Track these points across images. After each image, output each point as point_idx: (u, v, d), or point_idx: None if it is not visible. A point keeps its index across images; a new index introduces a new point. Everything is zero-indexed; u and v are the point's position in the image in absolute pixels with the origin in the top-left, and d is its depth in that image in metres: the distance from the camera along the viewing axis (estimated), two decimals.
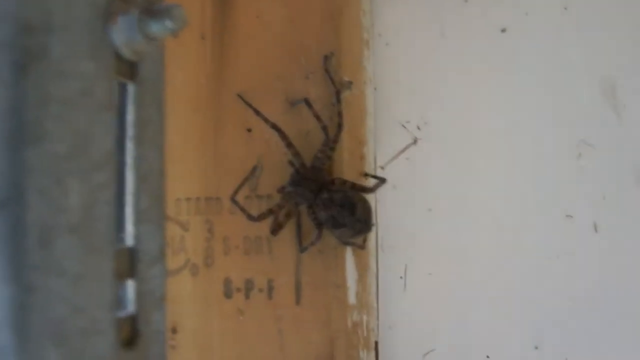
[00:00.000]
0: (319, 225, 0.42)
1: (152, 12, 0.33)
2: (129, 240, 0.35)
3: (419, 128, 0.50)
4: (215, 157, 0.48)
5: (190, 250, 0.48)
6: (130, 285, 0.35)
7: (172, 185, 0.51)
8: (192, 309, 0.48)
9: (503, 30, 0.49)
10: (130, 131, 0.35)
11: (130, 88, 0.35)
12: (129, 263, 0.35)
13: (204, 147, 0.48)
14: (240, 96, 0.46)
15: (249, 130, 0.47)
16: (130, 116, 0.35)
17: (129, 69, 0.36)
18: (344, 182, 0.42)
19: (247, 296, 0.46)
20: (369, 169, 0.49)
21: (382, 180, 0.43)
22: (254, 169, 0.46)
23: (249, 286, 0.46)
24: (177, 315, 0.49)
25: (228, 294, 0.47)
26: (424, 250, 0.50)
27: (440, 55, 0.50)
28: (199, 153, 0.48)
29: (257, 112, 0.43)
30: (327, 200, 0.41)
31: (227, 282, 0.47)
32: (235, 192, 0.45)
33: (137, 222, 0.36)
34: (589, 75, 0.47)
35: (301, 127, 0.45)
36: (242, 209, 0.43)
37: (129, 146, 0.35)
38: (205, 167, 0.48)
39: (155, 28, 0.32)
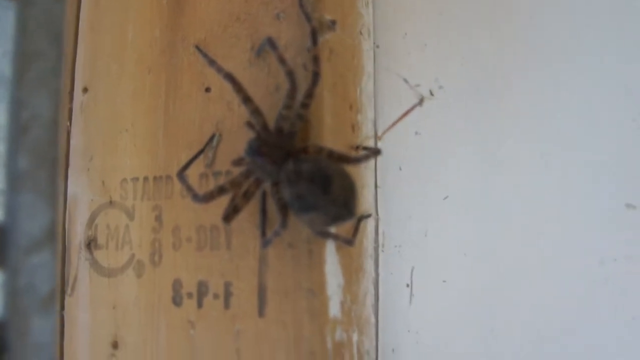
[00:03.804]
0: (284, 208, 0.30)
1: None
2: None
3: (432, 93, 0.39)
4: (166, 126, 0.37)
5: (136, 243, 0.38)
6: None
7: (118, 163, 0.40)
8: (137, 319, 0.38)
9: None
10: (9, 80, 0.26)
11: (12, 19, 0.26)
12: None
13: (154, 114, 0.38)
14: (197, 47, 0.36)
15: (207, 89, 0.36)
16: (10, 60, 0.26)
17: None
18: (320, 149, 0.31)
19: (199, 304, 0.35)
20: (367, 139, 0.38)
21: (374, 152, 0.32)
22: (211, 138, 0.35)
23: (202, 291, 0.35)
24: (119, 326, 0.38)
25: (177, 301, 0.36)
26: (438, 251, 0.38)
27: (459, 1, 0.39)
28: (148, 121, 0.38)
29: (211, 62, 0.33)
30: (292, 173, 0.30)
31: (176, 285, 0.36)
32: (185, 167, 0.34)
33: (11, 190, 0.26)
34: None
35: (269, 82, 0.34)
36: (188, 187, 0.33)
37: (7, 101, 0.26)
38: (155, 139, 0.38)
39: None
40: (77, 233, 0.40)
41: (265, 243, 0.32)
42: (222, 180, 0.35)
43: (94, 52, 0.41)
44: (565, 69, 0.36)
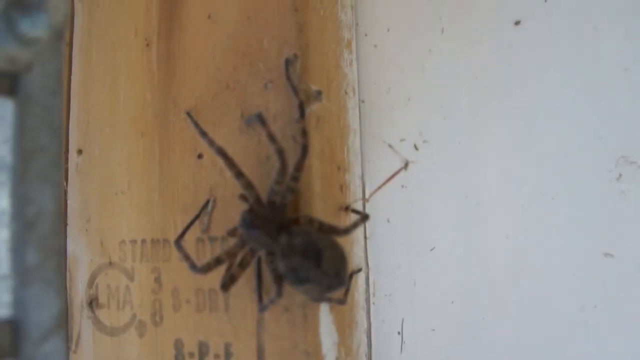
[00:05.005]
0: (278, 278, 0.32)
1: (23, 3, 0.24)
2: (6, 311, 0.27)
3: (416, 148, 0.40)
4: (161, 190, 0.39)
5: (137, 304, 0.39)
6: None
7: (116, 225, 0.42)
8: None
9: (517, 23, 0.39)
10: (11, 168, 0.27)
11: (11, 110, 0.27)
12: (10, 340, 0.27)
13: (149, 177, 0.39)
14: (188, 114, 0.38)
15: (200, 156, 0.38)
16: (10, 148, 0.27)
17: (7, 82, 0.28)
18: (311, 221, 0.32)
19: None
20: (355, 200, 0.39)
21: (363, 217, 0.34)
22: (206, 204, 0.37)
23: (203, 350, 0.37)
24: None
25: None
26: (426, 300, 0.40)
27: (441, 56, 0.40)
28: (143, 184, 0.40)
29: (203, 134, 0.34)
30: (286, 247, 0.31)
31: (178, 345, 0.38)
32: (181, 234, 0.36)
33: (21, 285, 0.27)
34: (629, 73, 0.36)
35: (260, 151, 0.35)
36: (186, 257, 0.34)
37: (10, 188, 0.27)
38: (151, 202, 0.39)
39: (27, 24, 0.23)
40: (79, 291, 0.42)
41: (262, 309, 0.33)
42: (218, 245, 0.36)
43: (87, 114, 0.42)
44: (543, 122, 0.38)
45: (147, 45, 0.40)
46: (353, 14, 0.41)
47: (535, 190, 0.38)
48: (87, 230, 0.41)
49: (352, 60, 0.40)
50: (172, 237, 0.38)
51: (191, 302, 0.37)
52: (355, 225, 0.33)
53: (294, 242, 0.31)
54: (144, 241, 0.39)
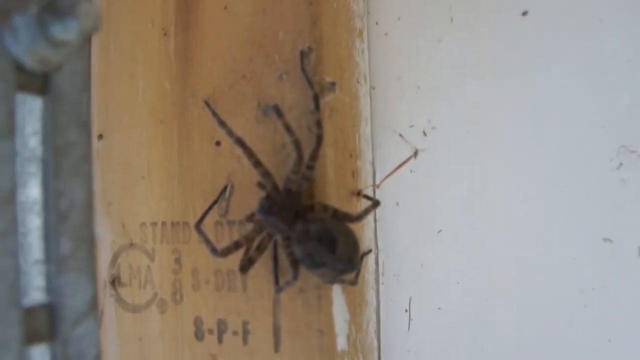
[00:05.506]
0: (295, 262, 0.34)
1: (55, 8, 0.25)
2: (42, 295, 0.28)
3: (425, 134, 0.42)
4: (180, 176, 0.41)
5: (158, 283, 0.42)
6: (47, 351, 0.28)
7: (136, 208, 0.44)
8: (162, 351, 0.41)
9: (524, 14, 0.40)
10: (40, 159, 0.29)
11: (40, 105, 0.29)
12: (46, 323, 0.29)
13: (168, 163, 0.41)
14: (206, 103, 0.39)
15: (218, 143, 0.39)
16: (39, 140, 0.29)
17: (39, 82, 0.29)
18: (325, 208, 0.34)
19: (220, 339, 0.39)
20: (366, 186, 0.41)
21: (374, 204, 0.35)
22: (224, 189, 0.38)
23: (221, 328, 0.39)
24: (145, 357, 0.42)
25: (199, 336, 0.40)
26: (433, 280, 0.42)
27: (449, 45, 0.42)
28: (163, 170, 0.41)
29: (222, 124, 0.36)
30: (302, 233, 0.33)
31: (197, 322, 0.40)
32: (201, 219, 0.38)
33: (56, 272, 0.29)
34: (632, 65, 0.37)
35: (276, 140, 0.37)
36: (206, 241, 0.36)
37: (40, 178, 0.29)
38: (170, 187, 0.41)
39: (58, 29, 0.25)
40: (101, 270, 0.44)
41: (278, 290, 0.36)
42: (235, 229, 0.38)
43: (106, 102, 0.44)
44: (546, 112, 0.39)
45: (165, 35, 0.41)
46: (365, 3, 0.42)
47: (538, 177, 0.39)
48: (109, 212, 0.43)
49: (363, 49, 0.42)
50: (192, 221, 0.40)
51: (210, 282, 0.39)
52: (367, 212, 0.35)
53: (309, 228, 0.33)
54: (164, 224, 0.41)
